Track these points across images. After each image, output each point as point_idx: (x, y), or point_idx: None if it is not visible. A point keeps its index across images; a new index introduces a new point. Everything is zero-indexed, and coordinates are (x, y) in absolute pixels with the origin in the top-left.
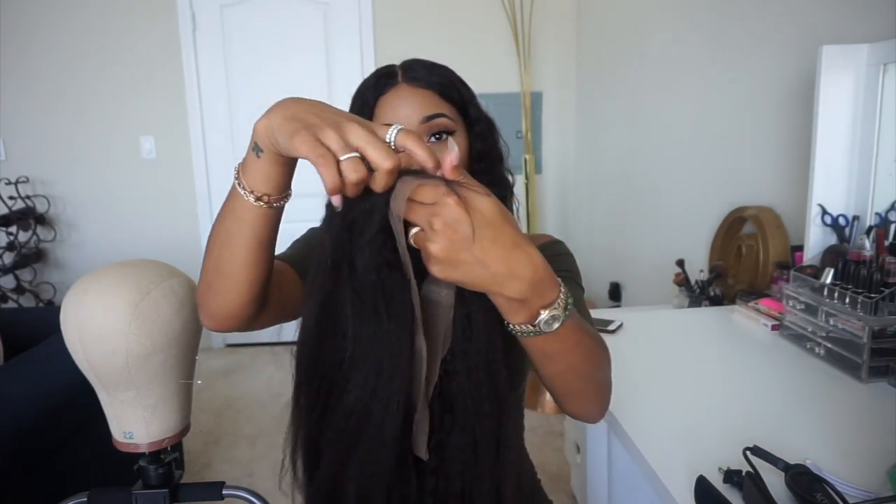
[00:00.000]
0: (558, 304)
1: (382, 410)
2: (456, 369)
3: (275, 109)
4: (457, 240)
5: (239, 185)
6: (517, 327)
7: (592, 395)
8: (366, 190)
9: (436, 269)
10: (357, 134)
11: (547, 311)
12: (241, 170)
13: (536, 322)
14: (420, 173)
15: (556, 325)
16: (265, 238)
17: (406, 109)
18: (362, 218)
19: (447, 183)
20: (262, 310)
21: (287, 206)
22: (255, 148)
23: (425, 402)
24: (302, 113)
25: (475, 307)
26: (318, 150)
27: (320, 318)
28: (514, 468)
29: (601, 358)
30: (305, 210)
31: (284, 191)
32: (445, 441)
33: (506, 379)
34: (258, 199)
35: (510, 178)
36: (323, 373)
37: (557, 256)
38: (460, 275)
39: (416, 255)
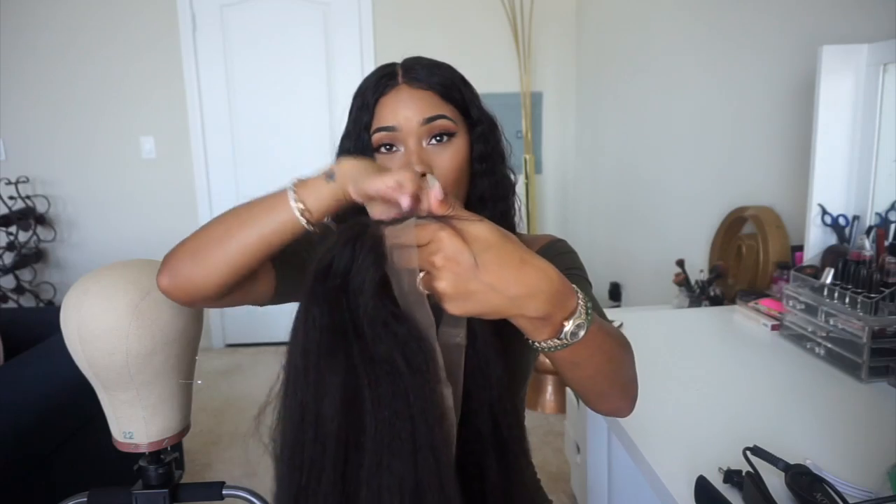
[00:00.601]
0: (580, 311)
1: (430, 481)
2: (473, 408)
3: (358, 160)
4: (461, 271)
5: (294, 193)
6: (543, 344)
7: (620, 391)
8: (354, 242)
9: (451, 307)
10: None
11: (571, 322)
12: (299, 184)
13: (563, 334)
14: (401, 220)
15: (581, 334)
16: (277, 244)
17: (406, 111)
18: (358, 273)
19: (437, 219)
20: (226, 294)
21: None
22: (330, 175)
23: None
24: (373, 167)
25: (480, 339)
26: (390, 183)
27: (341, 394)
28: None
29: (625, 355)
30: None
31: (321, 218)
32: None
33: (521, 421)
34: (302, 212)
35: (512, 177)
36: (340, 455)
37: (561, 255)
38: (476, 306)
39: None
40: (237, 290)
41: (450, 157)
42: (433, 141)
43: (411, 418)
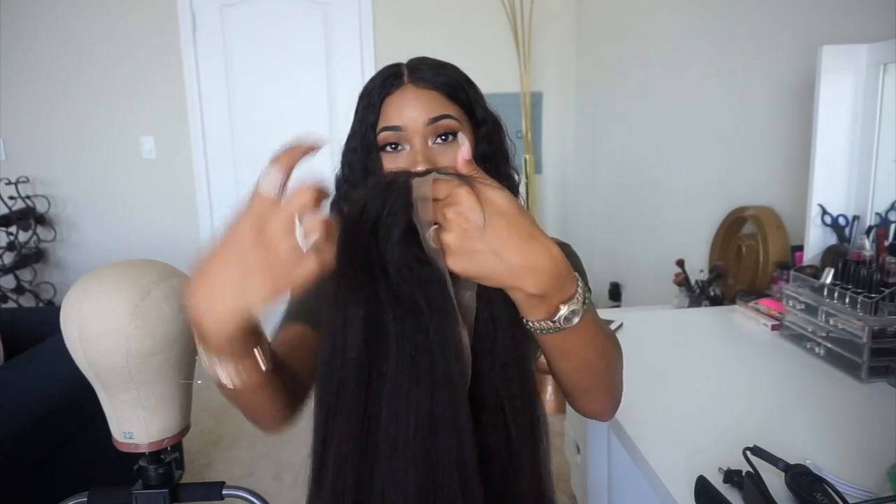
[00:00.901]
0: (577, 298)
1: (445, 409)
2: (482, 370)
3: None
4: (469, 228)
5: (205, 359)
6: (536, 324)
7: (605, 392)
8: (385, 190)
9: (451, 261)
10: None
11: (566, 307)
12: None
13: (556, 318)
14: (429, 172)
15: (575, 320)
16: (250, 383)
17: (412, 111)
18: (387, 220)
19: (459, 177)
20: (305, 394)
21: None
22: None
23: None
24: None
25: (499, 307)
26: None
27: (364, 322)
28: (549, 461)
29: (615, 355)
30: None
31: (225, 350)
32: (482, 442)
33: (533, 375)
34: (213, 365)
35: (516, 177)
36: (363, 380)
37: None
38: (476, 267)
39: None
40: (303, 375)
41: (455, 155)
42: (438, 140)
43: (430, 352)
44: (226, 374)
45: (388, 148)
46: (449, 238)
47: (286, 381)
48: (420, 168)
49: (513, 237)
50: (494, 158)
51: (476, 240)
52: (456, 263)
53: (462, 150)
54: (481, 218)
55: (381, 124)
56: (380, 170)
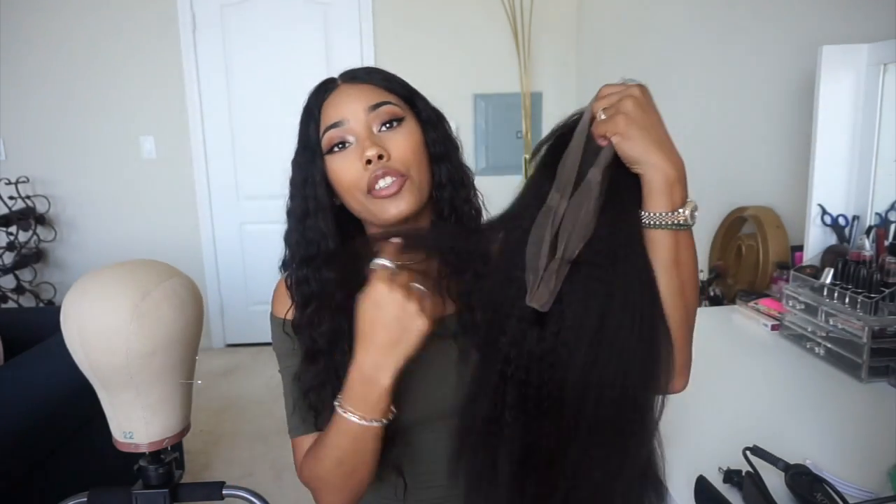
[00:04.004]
0: (690, 201)
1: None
2: (594, 262)
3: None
4: (643, 102)
5: (343, 410)
6: (664, 216)
7: (689, 332)
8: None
9: (619, 141)
10: None
11: (689, 204)
12: (344, 400)
13: (683, 210)
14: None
15: (696, 216)
16: (376, 447)
17: (351, 104)
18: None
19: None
20: None
21: (275, 207)
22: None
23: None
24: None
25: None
26: None
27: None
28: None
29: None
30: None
31: (387, 412)
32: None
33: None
34: (362, 419)
35: (470, 172)
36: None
37: None
38: (642, 132)
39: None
40: None
41: (404, 139)
42: (383, 128)
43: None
44: (378, 418)
45: (335, 149)
46: (628, 105)
47: None
48: (370, 152)
49: (661, 121)
50: (445, 144)
51: (646, 112)
52: (627, 125)
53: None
54: (642, 105)
55: (323, 126)
56: (322, 175)
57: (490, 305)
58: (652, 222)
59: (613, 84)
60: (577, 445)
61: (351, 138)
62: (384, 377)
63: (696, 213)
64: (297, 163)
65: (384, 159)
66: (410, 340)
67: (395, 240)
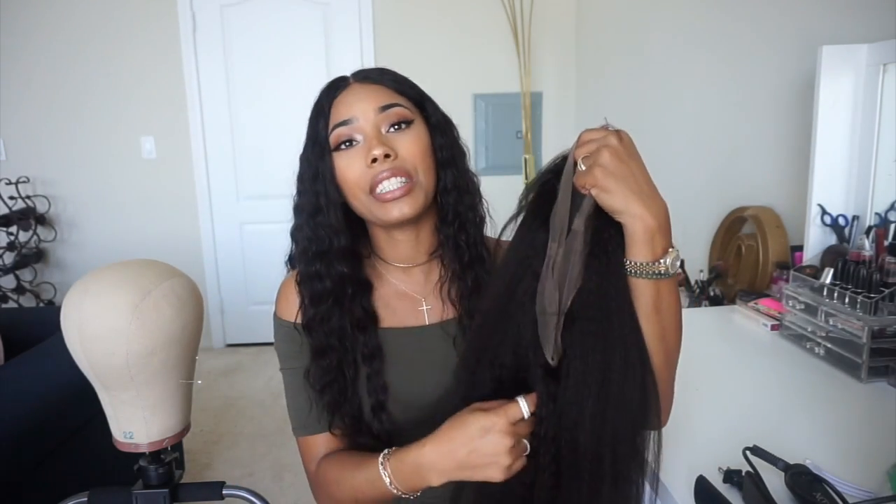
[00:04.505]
0: (673, 249)
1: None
2: (588, 315)
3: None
4: (619, 152)
5: (385, 472)
6: (645, 264)
7: (672, 377)
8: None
9: (602, 175)
10: None
11: (672, 252)
12: (393, 460)
13: (664, 260)
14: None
15: (677, 266)
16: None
17: (361, 103)
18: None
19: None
20: None
21: (287, 205)
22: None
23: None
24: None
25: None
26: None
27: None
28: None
29: (680, 336)
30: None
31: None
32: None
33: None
34: (395, 487)
35: (476, 179)
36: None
37: None
38: (620, 184)
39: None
40: None
41: (411, 141)
42: (392, 129)
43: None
44: (408, 494)
45: (343, 146)
46: (604, 157)
47: None
48: (377, 151)
49: (644, 169)
50: (452, 150)
51: (623, 162)
52: (605, 176)
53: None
54: (626, 150)
55: (332, 123)
56: (331, 171)
57: (505, 357)
58: (633, 271)
59: (593, 129)
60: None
61: (359, 137)
62: (435, 480)
63: (678, 262)
64: (305, 158)
65: (391, 158)
66: (479, 475)
67: (533, 395)
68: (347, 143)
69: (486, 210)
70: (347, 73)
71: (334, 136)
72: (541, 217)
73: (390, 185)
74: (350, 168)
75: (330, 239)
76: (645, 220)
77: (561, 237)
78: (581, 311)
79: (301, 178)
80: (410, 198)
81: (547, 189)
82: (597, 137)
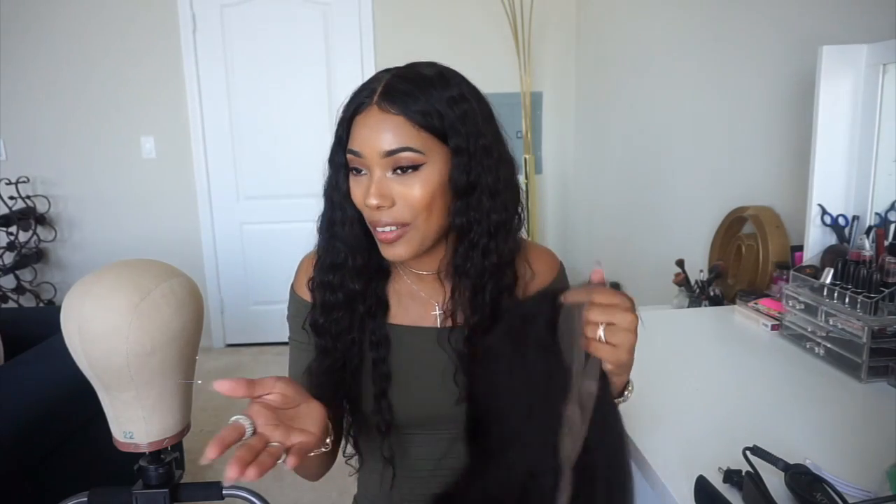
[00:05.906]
0: (630, 381)
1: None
2: (595, 447)
3: None
4: (634, 333)
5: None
6: (618, 399)
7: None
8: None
9: (613, 358)
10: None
11: (629, 386)
12: None
13: (627, 390)
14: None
15: (628, 392)
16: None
17: (372, 139)
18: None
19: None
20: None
21: (286, 205)
22: None
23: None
24: None
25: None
26: None
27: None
28: None
29: None
30: (305, 209)
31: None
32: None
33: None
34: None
35: (515, 189)
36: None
37: (561, 276)
38: (627, 356)
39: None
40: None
41: (417, 185)
42: (397, 171)
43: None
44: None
45: (353, 171)
46: (631, 339)
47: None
48: (371, 201)
49: (634, 339)
50: (473, 189)
51: (633, 342)
52: (619, 355)
53: (594, 274)
54: (636, 334)
55: (349, 145)
56: (345, 189)
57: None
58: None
59: (605, 290)
60: None
61: (365, 171)
62: None
63: (631, 388)
64: (331, 161)
65: (387, 207)
66: None
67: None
68: (356, 171)
69: (521, 218)
70: (391, 70)
71: (348, 159)
72: (534, 345)
73: (384, 227)
74: (357, 195)
75: (345, 255)
76: (625, 378)
77: (573, 395)
78: (591, 461)
79: (327, 182)
80: (404, 241)
81: (527, 329)
82: (612, 304)
